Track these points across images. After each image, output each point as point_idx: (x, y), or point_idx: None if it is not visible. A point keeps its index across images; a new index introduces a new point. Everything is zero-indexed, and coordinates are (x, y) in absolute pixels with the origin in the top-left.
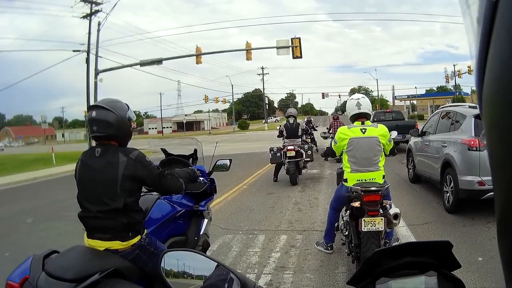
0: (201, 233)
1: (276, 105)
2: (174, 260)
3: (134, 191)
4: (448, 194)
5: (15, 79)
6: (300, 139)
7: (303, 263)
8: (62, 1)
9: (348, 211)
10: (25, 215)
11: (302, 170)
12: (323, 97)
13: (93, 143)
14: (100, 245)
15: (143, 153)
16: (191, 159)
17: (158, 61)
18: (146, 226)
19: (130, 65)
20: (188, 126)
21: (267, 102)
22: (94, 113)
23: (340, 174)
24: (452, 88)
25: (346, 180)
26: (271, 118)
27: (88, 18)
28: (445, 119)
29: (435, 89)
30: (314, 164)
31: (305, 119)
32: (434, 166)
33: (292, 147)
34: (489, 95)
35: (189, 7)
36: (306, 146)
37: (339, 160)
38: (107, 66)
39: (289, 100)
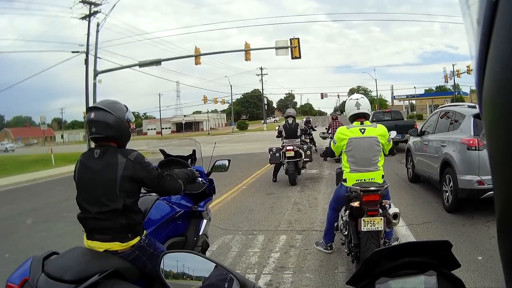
0: (200, 234)
1: (275, 105)
2: (173, 261)
3: (133, 192)
4: (447, 194)
5: (15, 80)
6: (299, 139)
7: (303, 263)
8: (62, 2)
9: (347, 211)
10: (24, 216)
11: (301, 170)
12: (322, 98)
13: (92, 144)
14: (100, 246)
15: (142, 154)
16: (190, 159)
17: (157, 62)
18: (146, 227)
19: (129, 66)
20: (187, 126)
21: (266, 102)
22: (93, 115)
23: (339, 174)
24: (451, 88)
25: (345, 180)
26: (270, 118)
27: (87, 19)
28: (444, 119)
29: (434, 89)
30: (313, 164)
31: (304, 120)
32: (433, 165)
33: (291, 147)
34: (489, 95)
35: (189, 8)
36: (305, 146)
37: (338, 160)
38: (106, 67)
39: (288, 101)
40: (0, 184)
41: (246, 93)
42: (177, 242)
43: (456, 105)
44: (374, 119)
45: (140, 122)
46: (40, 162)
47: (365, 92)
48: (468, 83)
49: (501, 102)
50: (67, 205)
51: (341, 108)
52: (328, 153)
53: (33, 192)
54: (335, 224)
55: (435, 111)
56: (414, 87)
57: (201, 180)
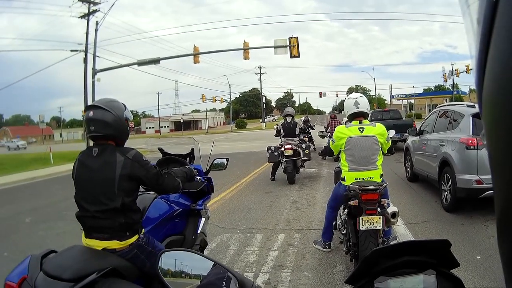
0: (198, 232)
1: (273, 104)
2: (172, 259)
3: (131, 190)
4: (446, 193)
5: (13, 79)
6: (297, 138)
7: (301, 261)
8: (61, 0)
9: (346, 210)
10: (23, 215)
11: (300, 169)
12: (320, 96)
13: (91, 143)
14: (98, 244)
15: (140, 153)
16: (188, 158)
17: (156, 61)
18: (144, 225)
19: (128, 65)
20: (185, 125)
21: (264, 101)
22: (91, 113)
23: (338, 172)
24: (450, 87)
25: (344, 179)
26: (269, 117)
27: (86, 18)
28: (443, 118)
29: (433, 88)
30: (312, 163)
31: (303, 118)
32: (432, 164)
33: (289, 146)
34: (489, 95)
35: (188, 7)
36: (303, 145)
37: (337, 159)
38: (105, 66)
39: (286, 99)
40: None
41: (245, 92)
42: (175, 240)
43: (455, 105)
44: (372, 118)
45: (139, 120)
46: (39, 161)
47: (364, 91)
48: (467, 83)
49: (501, 102)
50: (65, 204)
51: (339, 107)
52: (327, 152)
53: (32, 191)
54: (334, 223)
55: (434, 110)
56: (413, 87)
57: (200, 179)
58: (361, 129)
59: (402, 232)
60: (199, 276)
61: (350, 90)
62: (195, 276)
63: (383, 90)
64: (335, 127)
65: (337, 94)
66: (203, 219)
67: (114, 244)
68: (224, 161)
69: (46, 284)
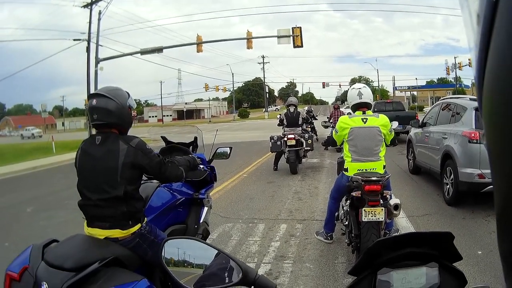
0: (201, 221)
1: (276, 94)
2: (175, 248)
3: (134, 179)
4: (448, 186)
5: (16, 69)
6: (300, 128)
7: (303, 252)
8: None
9: (348, 201)
10: (25, 204)
11: (302, 159)
12: (323, 87)
13: (93, 132)
14: (100, 233)
15: (143, 141)
16: (191, 147)
17: (159, 50)
18: (146, 214)
19: (131, 54)
20: (188, 114)
21: (267, 91)
22: (94, 101)
23: (340, 163)
24: (452, 80)
25: (346, 170)
26: (272, 106)
27: (89, 7)
28: (446, 111)
29: (435, 81)
30: (314, 153)
31: (305, 108)
32: (434, 157)
33: (292, 136)
34: (489, 93)
35: None
36: (306, 135)
37: (339, 150)
38: (107, 54)
39: (289, 89)
40: (0, 172)
41: (248, 81)
42: (177, 229)
43: (457, 98)
44: (375, 110)
45: (142, 109)
46: (41, 150)
47: (367, 82)
48: (469, 76)
49: (501, 102)
50: (67, 193)
51: (342, 98)
52: (330, 142)
53: (34, 180)
54: (336, 214)
55: (437, 103)
56: (416, 79)
57: (203, 167)
58: (365, 120)
59: (404, 224)
60: (203, 266)
61: (353, 81)
62: (198, 265)
63: (386, 81)
64: (338, 117)
65: (340, 85)
66: (205, 209)
67: (116, 233)
68: (227, 150)
69: (47, 274)
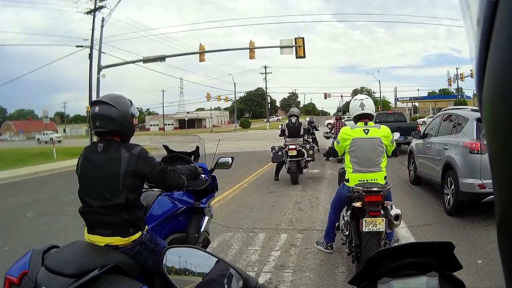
0: (201, 230)
1: (278, 104)
2: (176, 256)
3: (136, 187)
4: (448, 197)
5: (18, 74)
6: (301, 139)
7: (303, 262)
8: None
9: (349, 211)
10: (25, 209)
11: (303, 170)
12: (325, 97)
13: (95, 139)
14: (101, 240)
15: (145, 149)
16: (193, 156)
17: (162, 58)
18: (147, 222)
19: (133, 62)
20: (189, 123)
21: (269, 101)
22: (97, 108)
23: (342, 174)
24: (454, 91)
25: (347, 180)
26: (273, 117)
27: (92, 13)
28: (447, 122)
29: (437, 91)
30: (315, 164)
31: (307, 119)
32: (435, 168)
33: (293, 147)
34: (489, 95)
35: (194, 4)
36: (307, 145)
37: (340, 160)
38: (110, 62)
39: (291, 100)
40: (1, 177)
41: (250, 91)
42: (178, 238)
43: (459, 109)
44: (377, 121)
45: (143, 118)
46: (42, 156)
47: (369, 93)
48: (471, 87)
49: (501, 102)
50: (68, 199)
51: (344, 109)
52: (331, 153)
53: (34, 186)
54: (336, 224)
55: (438, 114)
56: (418, 90)
57: (204, 177)
58: (366, 131)
59: (404, 234)
60: (203, 274)
61: (355, 92)
62: (199, 274)
63: (388, 92)
64: (340, 128)
65: (341, 96)
66: (206, 218)
67: (117, 240)
68: (229, 160)
69: (47, 279)
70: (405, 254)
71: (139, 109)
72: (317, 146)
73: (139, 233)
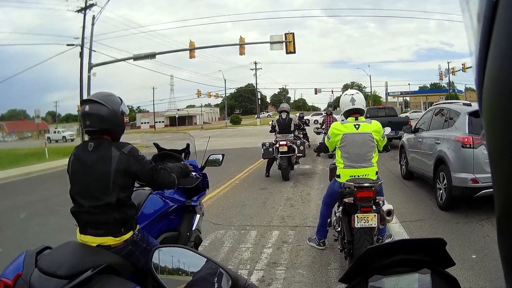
0: (193, 229)
1: (268, 100)
2: (165, 256)
3: (127, 186)
4: (441, 191)
5: (9, 74)
6: (292, 135)
7: (295, 259)
8: None
9: (341, 207)
10: (18, 210)
11: (294, 166)
12: (316, 93)
13: (86, 138)
14: (93, 240)
15: (136, 148)
16: (183, 153)
17: (152, 55)
18: (139, 221)
19: (124, 59)
20: (180, 121)
21: (259, 97)
22: (87, 107)
23: (333, 169)
24: (445, 86)
25: (339, 176)
26: (264, 113)
27: (83, 12)
28: (439, 116)
29: (428, 86)
30: (306, 160)
31: (298, 115)
32: (427, 162)
33: (284, 142)
34: (489, 93)
35: (185, 1)
36: (298, 141)
37: (331, 156)
38: (101, 60)
39: (281, 95)
40: None
41: (240, 87)
42: (170, 237)
43: (451, 103)
44: (368, 115)
45: (134, 115)
46: (34, 156)
47: (359, 88)
48: (463, 81)
49: (500, 102)
50: (60, 199)
51: (335, 104)
52: (322, 149)
53: (27, 186)
54: (328, 220)
55: (430, 108)
56: (409, 84)
57: (195, 175)
58: (357, 126)
59: (397, 230)
60: (192, 273)
61: (346, 87)
62: (188, 273)
63: (378, 87)
64: (330, 123)
65: (332, 91)
66: (198, 216)
67: (109, 240)
68: (220, 157)
69: (41, 281)
70: (396, 251)
71: (130, 107)
72: (308, 141)
73: (131, 233)
